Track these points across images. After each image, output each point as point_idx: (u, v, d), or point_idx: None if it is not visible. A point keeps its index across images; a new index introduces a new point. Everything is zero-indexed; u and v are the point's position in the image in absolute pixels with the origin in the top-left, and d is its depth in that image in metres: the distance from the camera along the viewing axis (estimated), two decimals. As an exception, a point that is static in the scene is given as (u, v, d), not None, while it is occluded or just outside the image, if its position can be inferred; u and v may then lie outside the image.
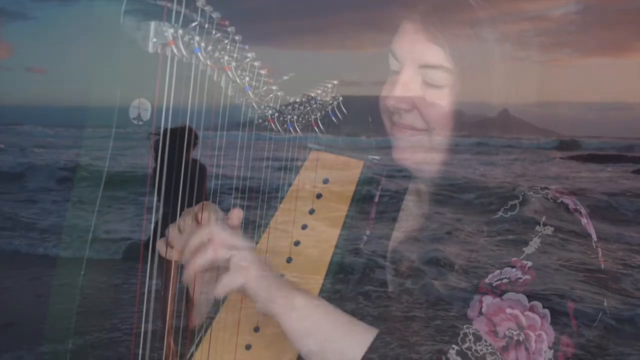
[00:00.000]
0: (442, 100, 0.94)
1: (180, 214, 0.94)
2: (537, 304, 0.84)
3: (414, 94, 0.94)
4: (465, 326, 0.83)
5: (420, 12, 0.94)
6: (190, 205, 0.93)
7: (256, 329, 0.99)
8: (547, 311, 0.83)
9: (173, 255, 0.95)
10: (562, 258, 0.89)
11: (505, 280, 0.86)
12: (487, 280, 0.87)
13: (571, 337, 0.83)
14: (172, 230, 0.95)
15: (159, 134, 0.85)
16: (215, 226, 0.84)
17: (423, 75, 0.94)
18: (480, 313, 0.84)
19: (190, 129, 0.89)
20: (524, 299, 0.84)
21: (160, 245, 0.95)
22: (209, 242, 0.83)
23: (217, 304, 1.04)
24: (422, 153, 0.98)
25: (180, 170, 0.86)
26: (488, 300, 0.85)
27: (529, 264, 0.87)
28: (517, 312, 0.83)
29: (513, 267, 0.87)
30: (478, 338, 0.82)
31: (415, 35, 0.93)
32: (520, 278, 0.86)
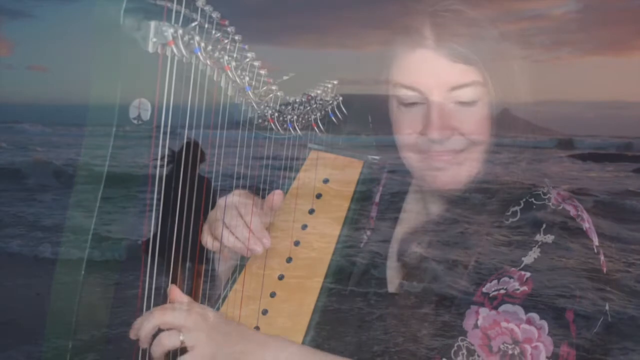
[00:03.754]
0: (479, 112, 0.93)
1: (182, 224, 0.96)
2: (534, 315, 0.83)
3: (453, 120, 0.92)
4: (460, 339, 0.83)
5: (430, 36, 0.91)
6: (189, 217, 0.95)
7: (256, 328, 0.99)
8: (544, 322, 0.83)
9: (217, 248, 1.00)
10: (562, 264, 0.88)
11: (502, 291, 0.86)
12: (484, 290, 0.87)
13: (571, 345, 0.83)
14: (217, 226, 0.98)
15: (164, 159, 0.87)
16: (161, 313, 0.87)
17: (454, 97, 0.92)
18: (476, 326, 0.84)
19: (197, 146, 0.91)
20: (520, 311, 0.84)
21: (206, 239, 1.00)
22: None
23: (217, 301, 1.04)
24: (463, 172, 0.96)
25: (185, 188, 0.87)
26: (484, 312, 0.85)
27: (527, 274, 0.86)
28: (512, 325, 0.83)
29: (511, 277, 0.86)
30: (471, 352, 0.82)
31: (437, 62, 0.91)
32: (517, 289, 0.85)
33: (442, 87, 0.92)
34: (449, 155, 0.95)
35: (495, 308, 0.84)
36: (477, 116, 0.93)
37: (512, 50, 0.97)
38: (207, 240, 1.00)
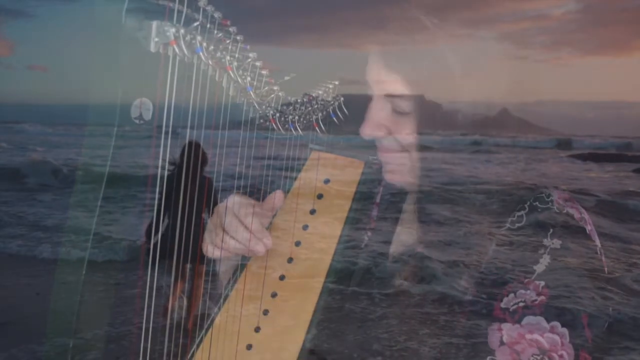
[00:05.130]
0: (410, 125, 0.97)
1: (184, 225, 0.96)
2: (556, 324, 0.84)
3: (386, 122, 0.97)
4: (489, 358, 0.84)
5: (380, 42, 0.96)
6: (190, 215, 0.95)
7: (257, 329, 0.99)
8: (565, 330, 0.84)
9: (219, 255, 0.99)
10: (571, 268, 0.89)
11: (521, 304, 0.86)
12: (502, 305, 0.87)
13: (588, 350, 0.84)
14: (217, 232, 0.98)
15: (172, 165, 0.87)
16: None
17: (391, 103, 0.97)
18: (502, 342, 0.85)
19: (199, 148, 0.91)
20: (543, 321, 0.85)
21: (207, 248, 0.99)
22: None
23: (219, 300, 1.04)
24: (406, 172, 1.01)
25: (188, 189, 0.88)
26: (507, 327, 0.85)
27: (542, 283, 0.87)
28: (536, 336, 0.84)
29: (526, 289, 0.87)
30: None
31: (378, 66, 0.96)
32: (535, 299, 0.86)
33: (380, 91, 0.97)
34: (386, 154, 1.00)
35: (518, 322, 0.85)
36: (410, 126, 0.97)
37: (509, 52, 0.97)
38: (209, 249, 0.99)
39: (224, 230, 0.96)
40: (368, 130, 0.99)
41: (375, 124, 0.98)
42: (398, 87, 0.95)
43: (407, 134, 0.97)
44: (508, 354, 0.83)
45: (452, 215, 1.02)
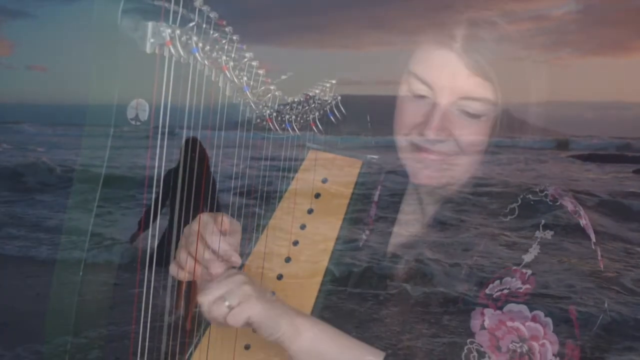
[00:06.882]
0: (480, 128, 0.93)
1: (183, 227, 0.94)
2: (539, 313, 0.84)
3: (452, 125, 0.93)
4: (469, 341, 0.83)
5: (460, 40, 0.90)
6: (193, 212, 0.93)
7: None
8: (549, 319, 0.83)
9: (184, 277, 0.94)
10: (562, 261, 0.89)
11: (505, 291, 0.86)
12: (487, 291, 0.87)
13: (576, 343, 0.83)
14: (181, 253, 0.94)
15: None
16: (204, 297, 0.85)
17: (462, 105, 0.92)
18: (483, 327, 0.84)
19: (198, 144, 0.91)
20: (525, 309, 0.84)
21: (172, 268, 0.95)
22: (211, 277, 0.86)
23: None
24: (448, 175, 0.97)
25: (186, 185, 0.88)
26: (489, 313, 0.85)
27: (529, 272, 0.87)
28: (518, 324, 0.83)
29: (513, 276, 0.87)
30: (482, 355, 0.82)
31: (457, 67, 0.90)
32: (520, 288, 0.86)
33: (453, 93, 0.91)
34: (436, 156, 0.95)
35: (500, 308, 0.85)
36: (477, 129, 0.93)
37: (509, 53, 0.96)
38: (172, 269, 0.95)
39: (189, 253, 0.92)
40: (432, 134, 0.92)
41: (441, 126, 0.92)
42: (479, 90, 0.90)
43: (473, 138, 0.93)
44: (487, 339, 0.83)
45: (450, 215, 1.02)
